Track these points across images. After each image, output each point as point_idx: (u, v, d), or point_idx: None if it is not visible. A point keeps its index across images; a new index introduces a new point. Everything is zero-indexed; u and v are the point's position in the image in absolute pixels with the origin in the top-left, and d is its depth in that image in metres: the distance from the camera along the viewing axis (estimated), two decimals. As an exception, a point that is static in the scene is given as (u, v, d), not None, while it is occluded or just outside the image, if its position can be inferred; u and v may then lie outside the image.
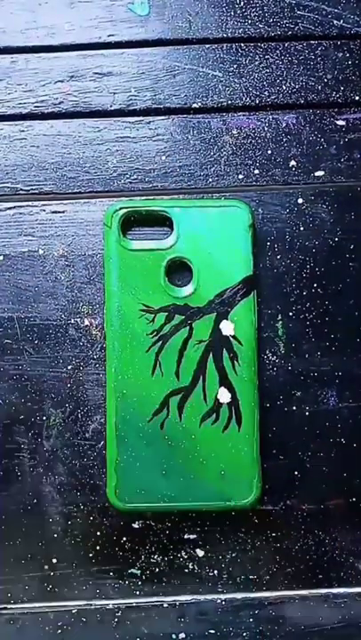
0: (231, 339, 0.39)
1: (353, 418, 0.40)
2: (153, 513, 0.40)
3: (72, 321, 0.41)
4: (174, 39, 0.41)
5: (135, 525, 0.40)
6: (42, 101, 0.41)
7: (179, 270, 0.40)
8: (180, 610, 0.40)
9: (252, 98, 0.41)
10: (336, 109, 0.41)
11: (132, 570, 0.40)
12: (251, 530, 0.40)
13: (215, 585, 0.40)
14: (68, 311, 0.41)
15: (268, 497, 0.40)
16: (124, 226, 0.40)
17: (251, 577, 0.40)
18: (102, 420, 0.40)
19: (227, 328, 0.39)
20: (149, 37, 0.41)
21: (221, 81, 0.41)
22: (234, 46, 0.41)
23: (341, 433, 0.40)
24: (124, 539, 0.40)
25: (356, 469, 0.40)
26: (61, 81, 0.41)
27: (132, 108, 0.41)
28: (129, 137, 0.41)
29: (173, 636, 0.40)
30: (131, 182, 0.41)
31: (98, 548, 0.40)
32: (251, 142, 0.41)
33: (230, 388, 0.39)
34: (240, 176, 0.41)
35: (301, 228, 0.41)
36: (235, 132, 0.41)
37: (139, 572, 0.40)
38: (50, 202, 0.41)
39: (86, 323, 0.41)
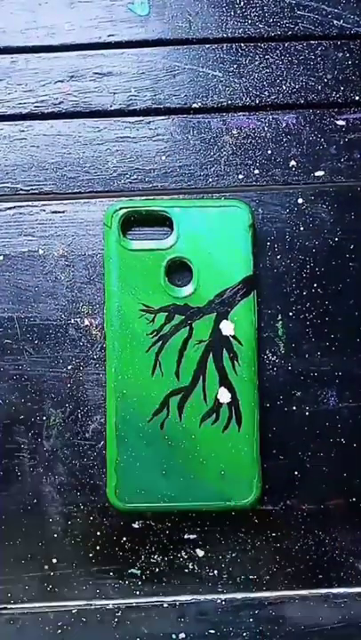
0: (231, 339, 0.39)
1: (353, 418, 0.40)
2: (153, 513, 0.40)
3: (72, 321, 0.41)
4: (174, 39, 0.41)
5: (135, 525, 0.40)
6: (42, 101, 0.41)
7: (179, 270, 0.40)
8: (180, 610, 0.40)
9: (252, 98, 0.41)
10: (336, 109, 0.41)
11: (132, 570, 0.40)
12: (251, 530, 0.40)
13: (215, 585, 0.40)
14: (68, 311, 0.41)
15: (268, 497, 0.40)
16: (124, 226, 0.40)
17: (251, 577, 0.40)
18: (102, 420, 0.40)
19: (227, 328, 0.39)
20: (149, 37, 0.41)
21: (221, 81, 0.41)
22: (234, 46, 0.41)
23: (341, 433, 0.40)
24: (124, 539, 0.40)
25: (357, 469, 0.40)
26: (61, 81, 0.41)
27: (132, 108, 0.41)
28: (129, 137, 0.41)
29: (173, 636, 0.40)
30: (131, 182, 0.41)
31: (98, 548, 0.40)
32: (251, 142, 0.41)
33: (230, 388, 0.39)
34: (240, 176, 0.41)
35: (301, 228, 0.41)
36: (235, 132, 0.41)
37: (139, 572, 0.40)
38: (50, 202, 0.41)
39: (86, 323, 0.41)
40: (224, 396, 0.39)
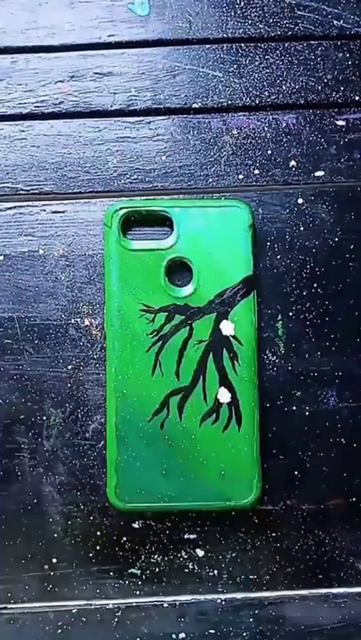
0: (231, 339, 0.39)
1: (353, 418, 0.40)
2: (153, 513, 0.40)
3: (72, 321, 0.41)
4: (174, 39, 0.41)
5: (135, 525, 0.40)
6: (42, 101, 0.41)
7: (179, 270, 0.40)
8: (180, 610, 0.40)
9: (252, 98, 0.41)
10: (336, 109, 0.41)
11: (132, 570, 0.40)
12: (251, 530, 0.40)
13: (215, 585, 0.40)
14: (68, 311, 0.41)
15: (268, 497, 0.40)
16: (125, 226, 0.40)
17: (251, 577, 0.40)
18: (102, 420, 0.40)
19: (227, 328, 0.39)
20: (149, 37, 0.41)
21: (221, 81, 0.41)
22: (234, 46, 0.41)
23: (341, 433, 0.40)
24: (124, 539, 0.40)
25: (357, 469, 0.40)
26: (62, 81, 0.41)
27: (132, 108, 0.41)
28: (129, 137, 0.41)
29: (173, 636, 0.40)
30: (131, 182, 0.41)
31: (98, 547, 0.40)
32: (251, 142, 0.41)
33: (230, 388, 0.39)
34: (240, 176, 0.41)
35: (301, 228, 0.41)
36: (235, 132, 0.41)
37: (139, 571, 0.40)
38: (50, 202, 0.41)
39: (86, 323, 0.41)
40: (224, 395, 0.39)
